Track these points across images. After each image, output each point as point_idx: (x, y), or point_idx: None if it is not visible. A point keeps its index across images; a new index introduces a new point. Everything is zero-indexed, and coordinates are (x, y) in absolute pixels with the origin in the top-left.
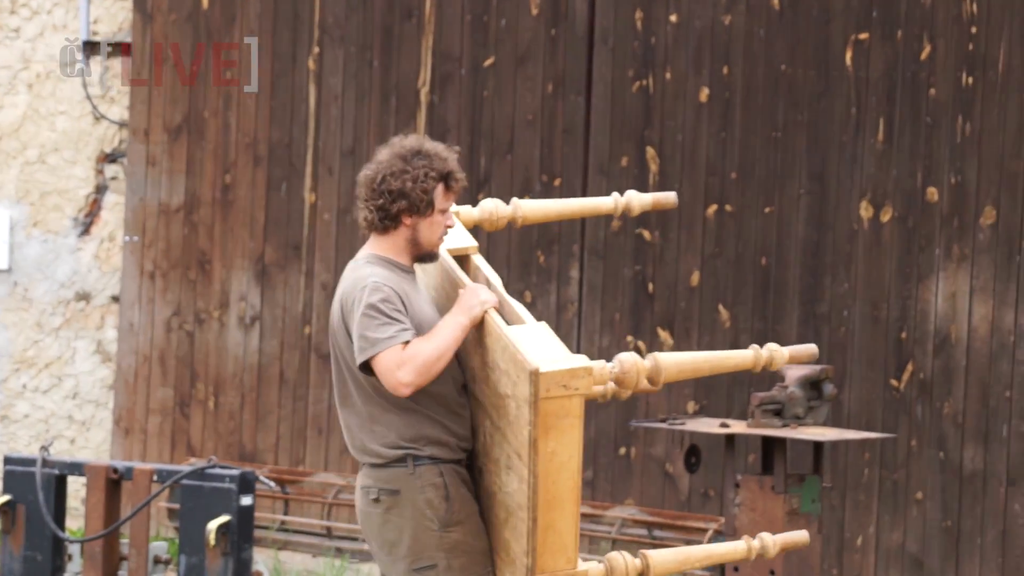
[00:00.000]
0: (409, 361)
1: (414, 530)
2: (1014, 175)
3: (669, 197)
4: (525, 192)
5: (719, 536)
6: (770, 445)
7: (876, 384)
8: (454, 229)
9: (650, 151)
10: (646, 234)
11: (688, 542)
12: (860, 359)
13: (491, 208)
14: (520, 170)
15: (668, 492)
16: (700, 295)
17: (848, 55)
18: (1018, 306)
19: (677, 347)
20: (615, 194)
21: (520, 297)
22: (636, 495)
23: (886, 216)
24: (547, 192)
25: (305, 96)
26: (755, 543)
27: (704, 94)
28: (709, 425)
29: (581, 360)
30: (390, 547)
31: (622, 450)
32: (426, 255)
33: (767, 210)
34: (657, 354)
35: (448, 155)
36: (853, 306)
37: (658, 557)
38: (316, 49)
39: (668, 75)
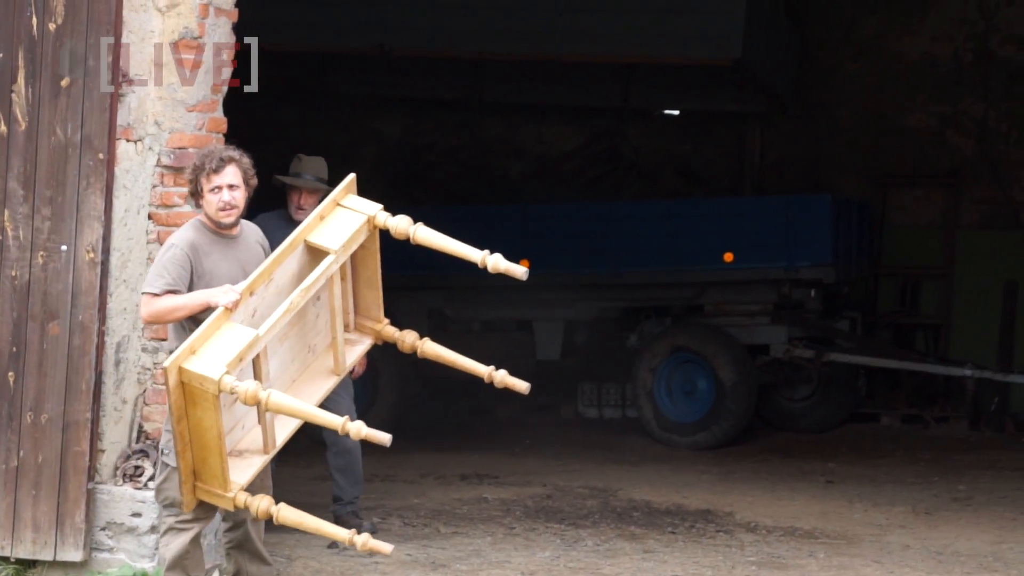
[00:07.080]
0: (149, 304)
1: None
2: None
3: (517, 271)
4: None
5: None
6: None
7: None
8: (333, 226)
9: None
10: None
11: None
12: None
13: (395, 223)
14: None
15: None
16: None
17: None
18: None
19: None
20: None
21: None
22: None
23: None
24: None
25: None
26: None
27: None
28: None
29: (213, 372)
30: None
31: None
32: (217, 223)
33: None
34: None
35: (210, 152)
36: None
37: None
38: None
39: None
